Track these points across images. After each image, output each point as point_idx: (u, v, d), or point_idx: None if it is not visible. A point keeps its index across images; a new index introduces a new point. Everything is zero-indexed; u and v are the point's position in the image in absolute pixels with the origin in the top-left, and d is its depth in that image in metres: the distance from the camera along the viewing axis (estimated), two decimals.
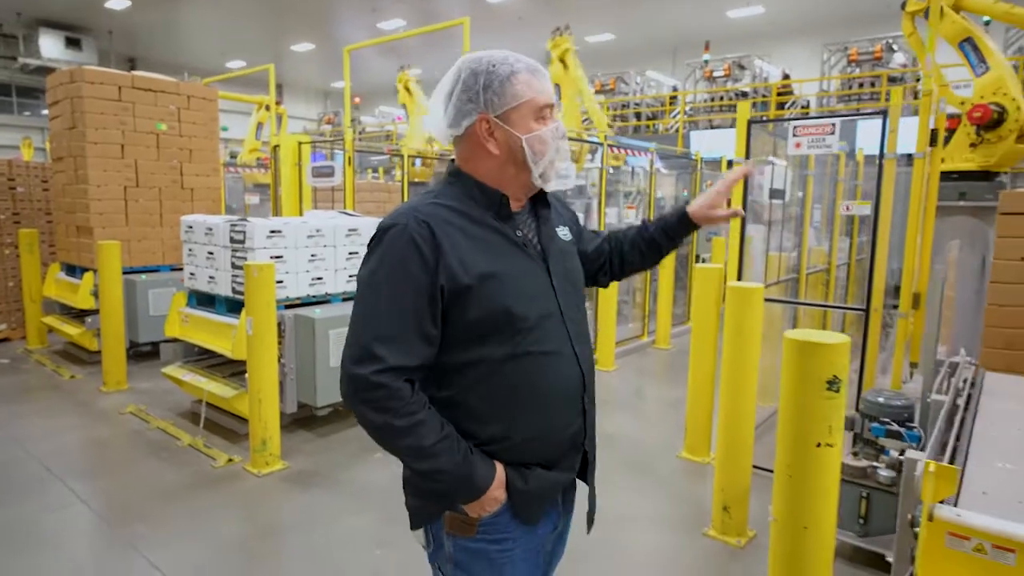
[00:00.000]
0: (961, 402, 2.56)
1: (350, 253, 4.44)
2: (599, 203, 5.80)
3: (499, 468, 1.25)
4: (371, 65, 21.54)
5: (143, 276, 5.62)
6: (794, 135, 3.31)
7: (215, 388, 4.06)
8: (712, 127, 14.95)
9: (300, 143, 6.23)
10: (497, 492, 1.24)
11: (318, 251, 4.26)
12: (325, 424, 4.38)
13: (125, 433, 4.22)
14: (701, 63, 15.46)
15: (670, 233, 1.56)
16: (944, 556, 1.59)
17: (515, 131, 1.24)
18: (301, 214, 5.75)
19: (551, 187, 1.34)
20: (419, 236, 1.16)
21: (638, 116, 16.89)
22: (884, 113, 3.00)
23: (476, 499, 1.22)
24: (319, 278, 4.29)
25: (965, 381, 2.89)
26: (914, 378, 3.79)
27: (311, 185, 6.14)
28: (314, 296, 4.28)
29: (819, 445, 1.78)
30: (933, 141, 3.03)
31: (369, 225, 4.60)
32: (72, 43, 19.50)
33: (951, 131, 5.38)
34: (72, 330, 5.71)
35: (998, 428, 2.28)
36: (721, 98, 15.05)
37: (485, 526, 1.27)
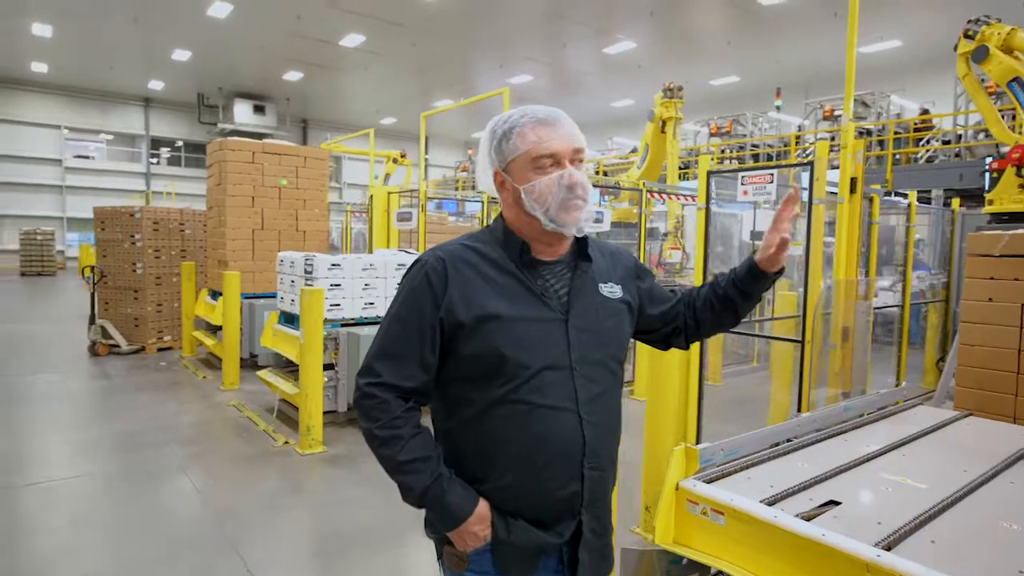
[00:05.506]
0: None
1: (398, 284, 5.36)
2: (639, 243, 6.30)
3: (483, 504, 1.26)
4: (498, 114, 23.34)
5: (261, 300, 7.01)
6: (742, 184, 3.70)
7: (287, 387, 5.13)
8: (833, 167, 14.44)
9: (389, 193, 7.41)
10: (477, 527, 1.25)
11: (371, 281, 5.25)
12: None
13: (223, 419, 5.49)
14: (819, 103, 15.06)
15: (741, 287, 1.47)
16: (683, 517, 2.05)
17: (515, 182, 1.29)
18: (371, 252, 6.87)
19: (576, 231, 1.31)
20: (432, 271, 1.27)
21: (755, 158, 16.66)
22: (811, 164, 3.32)
23: (453, 527, 1.25)
24: (371, 303, 5.26)
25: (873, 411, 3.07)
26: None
27: (396, 228, 7.27)
28: (366, 317, 5.26)
29: None
30: (853, 189, 3.28)
31: None
32: (258, 109, 23.43)
33: (1001, 171, 5.22)
34: (209, 341, 7.25)
35: (851, 444, 2.55)
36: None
37: (474, 562, 1.28)
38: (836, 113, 14.63)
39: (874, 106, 14.59)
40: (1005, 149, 4.74)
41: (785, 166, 6.05)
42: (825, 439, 2.61)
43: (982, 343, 3.53)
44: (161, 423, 5.28)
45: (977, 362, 3.54)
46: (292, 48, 17.77)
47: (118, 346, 7.93)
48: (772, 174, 3.54)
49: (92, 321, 7.93)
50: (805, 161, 3.43)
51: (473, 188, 20.54)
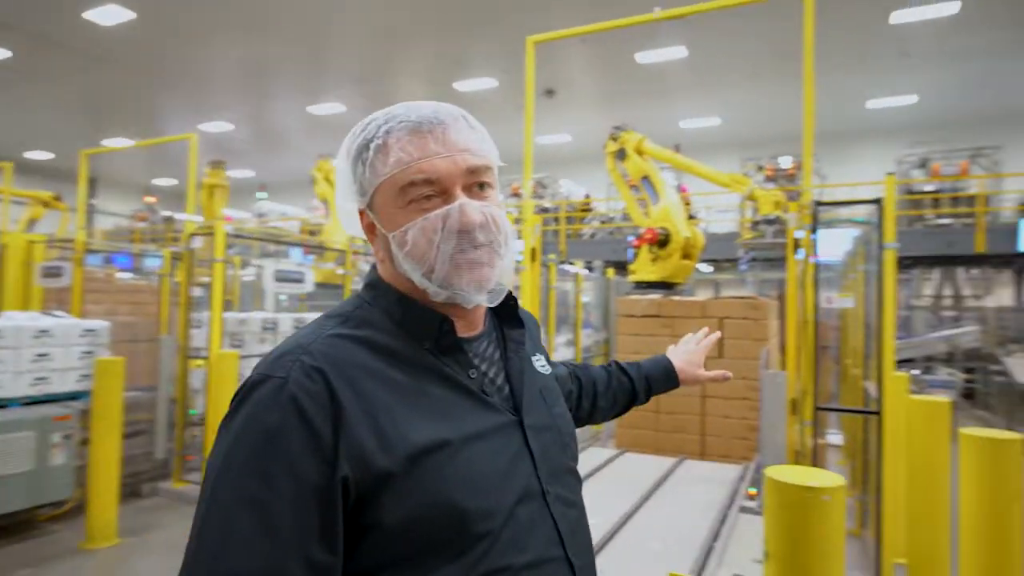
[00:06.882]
0: None
1: (37, 355, 4.31)
2: None
3: None
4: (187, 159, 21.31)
5: None
6: None
7: None
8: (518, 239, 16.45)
9: (31, 242, 6.03)
10: None
11: None
12: None
13: None
14: (508, 181, 17.12)
15: (654, 388, 1.35)
16: None
17: (383, 226, 0.85)
18: None
19: (485, 300, 0.85)
20: (305, 395, 0.73)
21: None
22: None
23: None
24: None
25: None
26: None
27: (40, 285, 5.90)
28: None
29: None
30: (533, 258, 3.78)
31: (67, 328, 4.51)
32: None
33: (639, 248, 6.53)
34: None
35: None
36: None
37: None
38: (521, 191, 16.79)
39: (550, 188, 17.12)
40: (642, 231, 5.92)
41: None
42: None
43: None
44: None
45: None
46: None
47: None
48: None
49: None
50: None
51: (154, 241, 18.13)
